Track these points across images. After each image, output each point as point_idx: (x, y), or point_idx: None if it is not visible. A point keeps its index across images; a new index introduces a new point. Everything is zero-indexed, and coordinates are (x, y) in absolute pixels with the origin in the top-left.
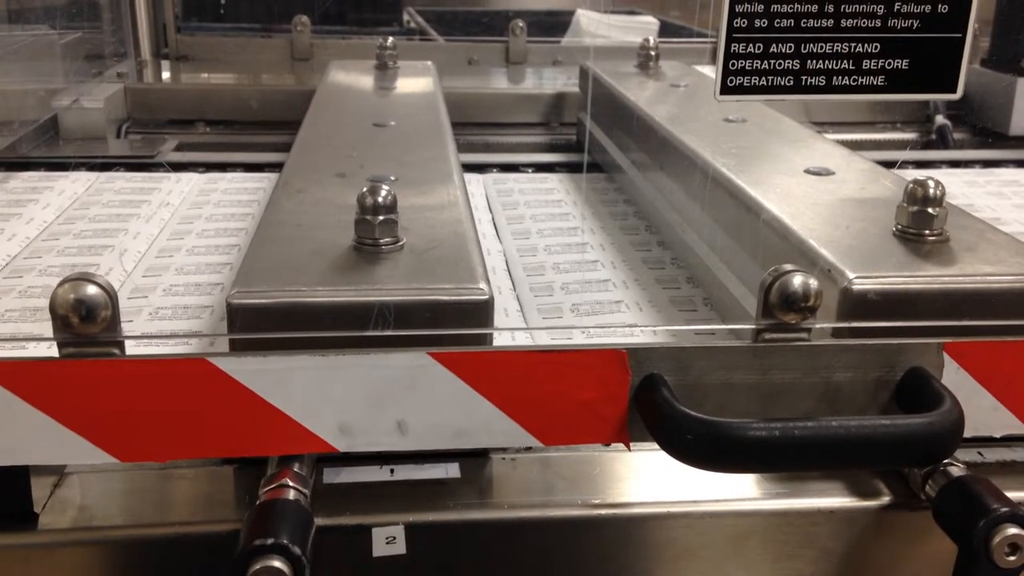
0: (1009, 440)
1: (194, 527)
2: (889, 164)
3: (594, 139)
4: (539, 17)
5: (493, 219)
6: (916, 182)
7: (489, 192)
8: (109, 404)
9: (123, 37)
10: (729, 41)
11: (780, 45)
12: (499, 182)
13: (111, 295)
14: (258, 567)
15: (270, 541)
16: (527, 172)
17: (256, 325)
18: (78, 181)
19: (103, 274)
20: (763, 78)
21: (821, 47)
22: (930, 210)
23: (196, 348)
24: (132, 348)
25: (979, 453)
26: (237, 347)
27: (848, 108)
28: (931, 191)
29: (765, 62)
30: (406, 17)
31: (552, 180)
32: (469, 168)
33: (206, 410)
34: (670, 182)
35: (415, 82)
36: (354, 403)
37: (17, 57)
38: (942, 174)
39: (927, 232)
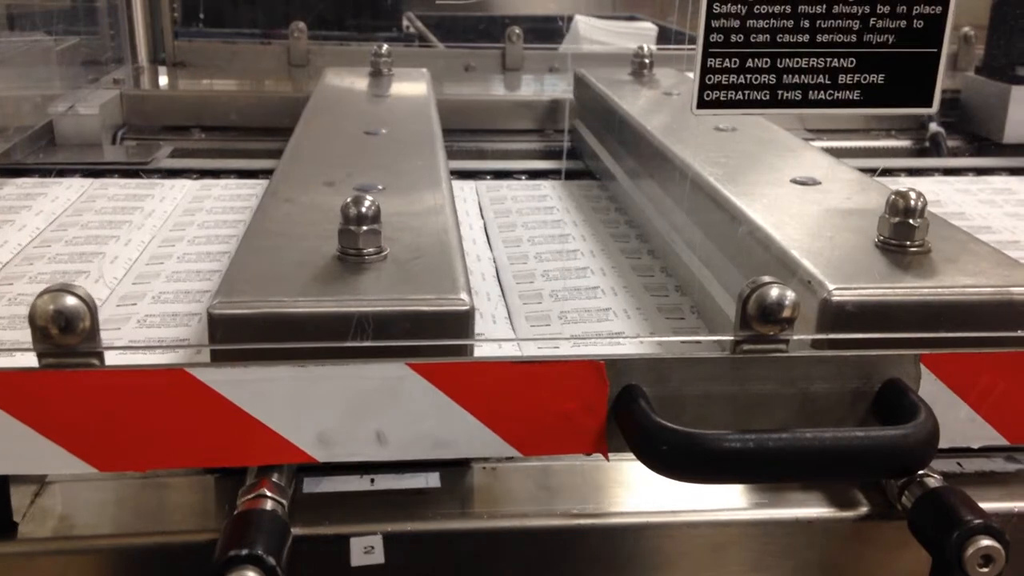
0: (987, 451)
1: (174, 536)
2: (882, 172)
3: (587, 146)
4: (538, 23)
5: (485, 226)
6: (898, 193)
7: (482, 199)
8: (88, 414)
9: (120, 43)
10: (705, 56)
11: (756, 60)
12: (492, 189)
13: (90, 306)
14: None
15: (245, 552)
16: (520, 179)
17: (237, 335)
18: (72, 188)
19: (93, 281)
20: (740, 92)
21: (797, 62)
22: (911, 221)
23: (183, 357)
24: (117, 357)
25: (958, 464)
26: (218, 357)
27: (842, 116)
28: (912, 202)
29: (742, 76)
30: (405, 23)
31: (545, 187)
32: (463, 175)
33: (185, 420)
34: (660, 191)
35: (409, 89)
36: (333, 413)
37: (14, 63)
38: (935, 182)
39: (908, 243)
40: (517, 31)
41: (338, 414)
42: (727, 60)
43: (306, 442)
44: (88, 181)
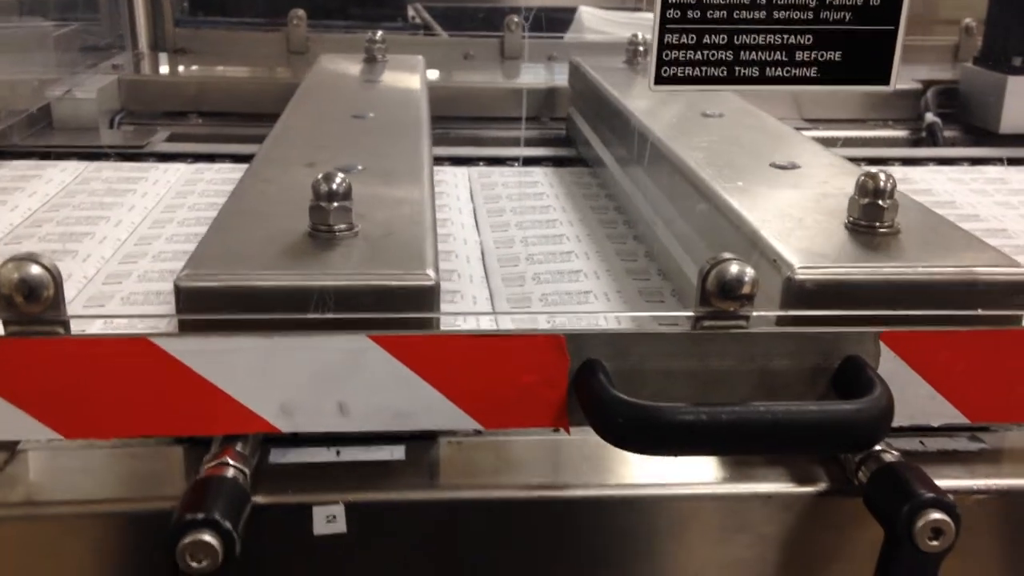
0: (951, 430)
1: (140, 504)
2: (877, 161)
3: (581, 133)
4: (546, 12)
5: (475, 211)
6: (867, 175)
7: (474, 185)
8: (53, 382)
9: (121, 30)
10: (662, 32)
11: (713, 36)
12: (485, 175)
13: (55, 275)
14: (188, 540)
15: (201, 516)
16: (514, 166)
17: (204, 307)
18: (67, 170)
19: (81, 261)
20: (697, 69)
21: (754, 38)
22: (880, 202)
23: (168, 328)
24: (101, 327)
25: (921, 442)
26: (186, 328)
27: (839, 105)
28: (882, 184)
29: (699, 53)
30: (411, 12)
31: (537, 174)
32: (457, 161)
33: (148, 389)
34: (645, 176)
35: (401, 76)
36: (296, 384)
37: (13, 47)
38: (928, 171)
39: (877, 224)
40: (516, 20)
41: (301, 385)
42: (684, 36)
43: (269, 412)
44: (83, 164)
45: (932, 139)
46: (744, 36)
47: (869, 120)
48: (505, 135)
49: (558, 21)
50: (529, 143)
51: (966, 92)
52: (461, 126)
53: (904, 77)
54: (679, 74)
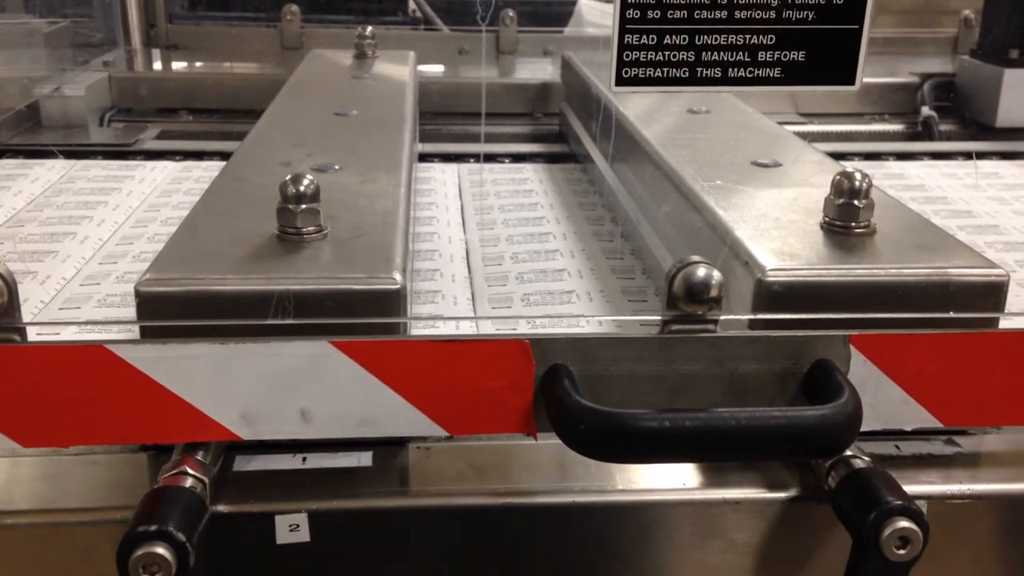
0: (926, 433)
1: (99, 513)
2: (870, 156)
3: (572, 129)
4: (540, 7)
5: (462, 208)
6: (842, 174)
7: (463, 182)
8: (9, 390)
9: (113, 26)
10: (622, 32)
11: (674, 37)
12: (474, 172)
13: (8, 283)
14: (141, 553)
15: (154, 528)
16: (504, 162)
17: (165, 313)
18: (54, 169)
19: (60, 262)
20: (658, 70)
21: (716, 39)
22: (856, 202)
23: (136, 334)
24: (75, 334)
25: (896, 447)
26: (148, 334)
27: (835, 99)
28: (857, 183)
29: (660, 54)
30: (412, 7)
31: (527, 170)
32: (447, 158)
33: (106, 397)
34: (629, 172)
35: (389, 72)
36: (256, 391)
37: (2, 44)
38: (922, 166)
39: (853, 224)
40: (511, 14)
41: (262, 392)
42: (644, 37)
43: (229, 420)
44: (71, 162)
45: (928, 133)
46: (706, 36)
47: (866, 114)
48: (498, 131)
49: (558, 16)
50: (522, 139)
51: (963, 85)
52: (454, 122)
53: (902, 70)
54: (640, 75)
